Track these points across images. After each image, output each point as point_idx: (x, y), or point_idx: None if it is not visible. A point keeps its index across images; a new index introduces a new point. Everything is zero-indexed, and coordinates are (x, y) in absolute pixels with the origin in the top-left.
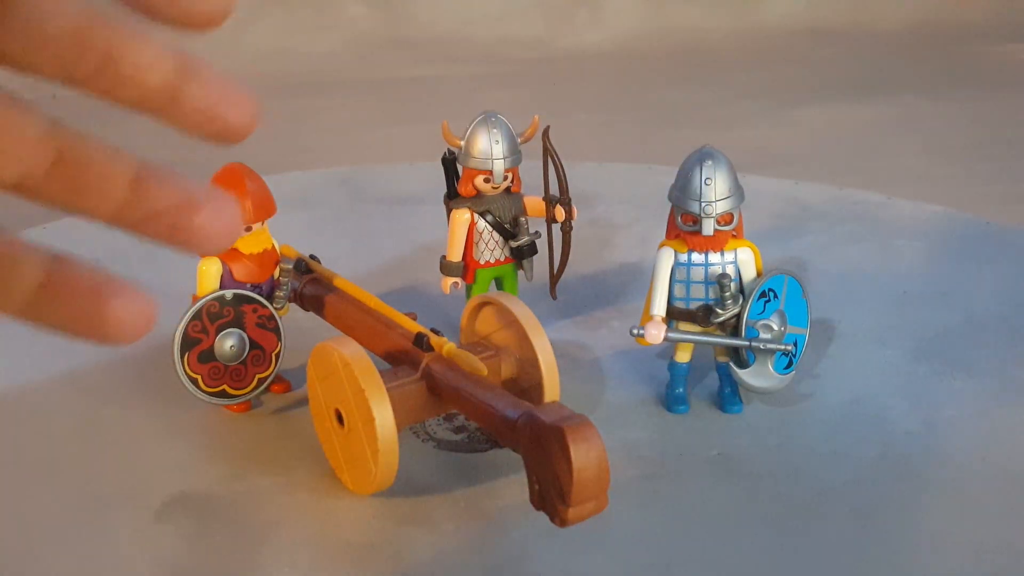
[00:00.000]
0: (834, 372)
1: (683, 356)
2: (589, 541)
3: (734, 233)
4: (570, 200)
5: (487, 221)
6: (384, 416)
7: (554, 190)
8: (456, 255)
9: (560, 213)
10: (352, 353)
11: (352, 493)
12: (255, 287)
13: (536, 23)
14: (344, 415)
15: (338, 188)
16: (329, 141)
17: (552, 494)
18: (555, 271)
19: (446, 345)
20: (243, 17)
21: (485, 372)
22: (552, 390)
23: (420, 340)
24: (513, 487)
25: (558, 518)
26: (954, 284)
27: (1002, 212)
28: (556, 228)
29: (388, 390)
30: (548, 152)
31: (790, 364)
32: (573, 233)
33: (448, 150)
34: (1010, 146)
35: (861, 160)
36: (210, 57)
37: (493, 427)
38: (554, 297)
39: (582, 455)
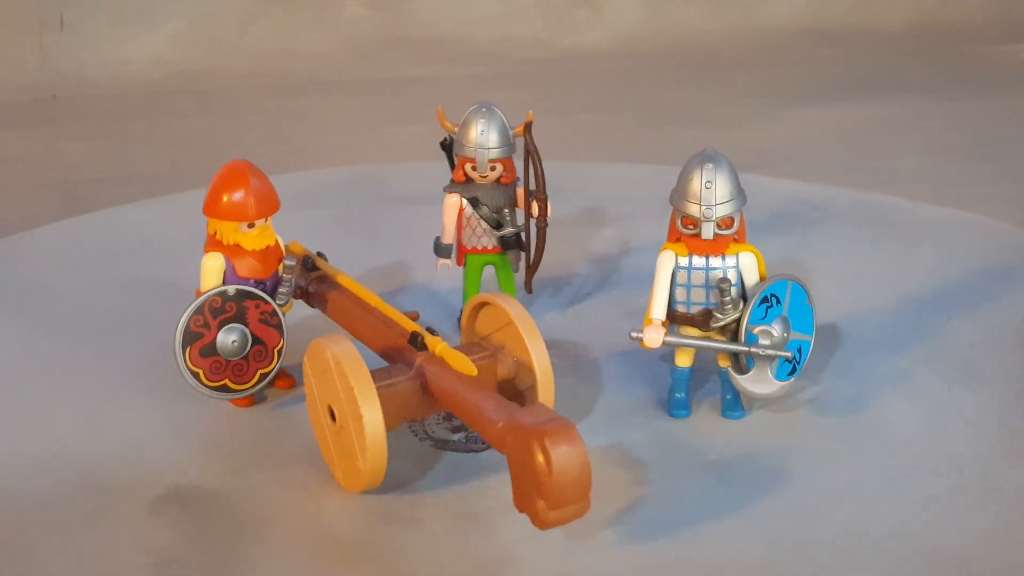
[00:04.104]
0: (839, 379)
1: (685, 360)
2: (579, 543)
3: (736, 237)
4: (546, 198)
5: (474, 208)
6: (372, 414)
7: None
8: (447, 237)
9: (535, 209)
10: (343, 351)
11: (345, 490)
12: (258, 283)
13: (536, 23)
14: (336, 412)
15: (341, 188)
16: (329, 141)
17: (533, 496)
18: (529, 265)
19: (439, 345)
20: (243, 17)
21: (475, 372)
22: (546, 393)
23: (414, 339)
24: (505, 488)
25: (538, 520)
26: (966, 290)
27: (1003, 213)
28: (533, 224)
29: (379, 388)
30: (528, 149)
31: (793, 371)
32: (585, 238)
33: (447, 136)
34: (1011, 146)
35: (861, 160)
36: (211, 57)
37: (479, 428)
38: (529, 291)
39: (563, 458)
